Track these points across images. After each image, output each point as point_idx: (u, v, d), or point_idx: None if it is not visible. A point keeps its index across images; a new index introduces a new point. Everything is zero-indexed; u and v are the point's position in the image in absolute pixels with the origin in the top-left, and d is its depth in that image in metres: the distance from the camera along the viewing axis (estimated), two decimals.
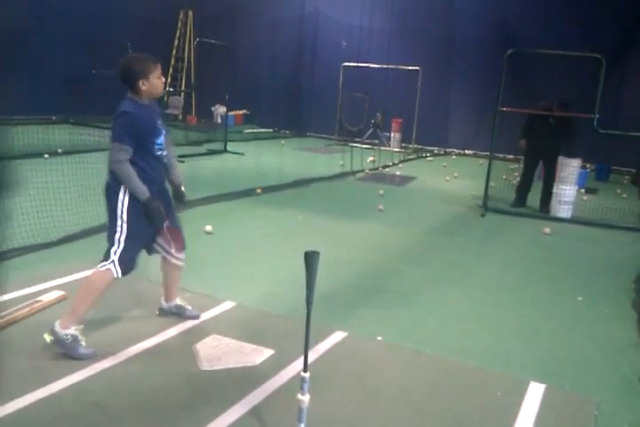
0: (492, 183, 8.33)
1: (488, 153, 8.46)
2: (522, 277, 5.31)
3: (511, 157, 13.65)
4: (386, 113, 15.34)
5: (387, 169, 12.05)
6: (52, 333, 3.20)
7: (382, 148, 14.17)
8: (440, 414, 2.93)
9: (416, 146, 15.60)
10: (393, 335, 3.82)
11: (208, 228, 6.03)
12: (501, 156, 13.40)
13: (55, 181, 5.84)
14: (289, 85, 18.00)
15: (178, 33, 18.72)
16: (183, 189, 3.64)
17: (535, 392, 3.18)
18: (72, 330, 3.20)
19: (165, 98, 16.94)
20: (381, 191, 8.96)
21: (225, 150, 12.61)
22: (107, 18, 14.66)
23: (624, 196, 10.19)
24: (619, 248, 6.68)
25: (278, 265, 5.13)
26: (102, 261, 3.29)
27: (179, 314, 3.83)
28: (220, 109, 17.38)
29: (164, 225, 3.43)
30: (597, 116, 7.57)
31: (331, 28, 17.24)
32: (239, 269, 5.01)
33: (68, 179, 6.12)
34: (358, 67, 15.62)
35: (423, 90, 14.96)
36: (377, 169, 11.81)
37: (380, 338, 3.76)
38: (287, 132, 18.09)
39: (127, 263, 3.32)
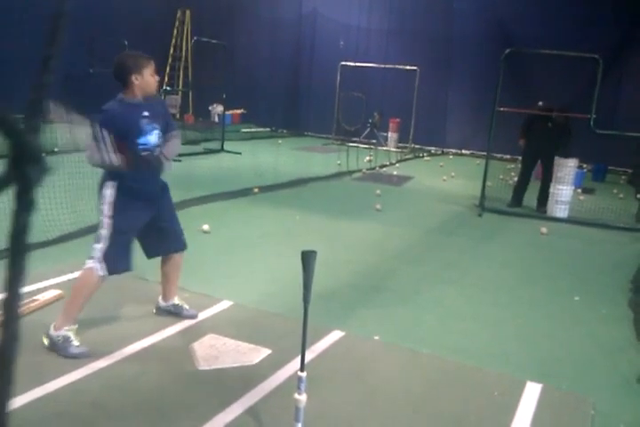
0: (489, 183, 8.33)
1: (485, 153, 8.46)
2: (519, 277, 5.31)
3: (508, 157, 13.67)
4: (383, 113, 15.33)
5: (384, 169, 12.05)
6: (47, 335, 3.25)
7: (380, 147, 14.16)
8: (437, 413, 2.93)
9: (413, 146, 15.61)
10: (391, 335, 3.82)
11: (205, 227, 6.02)
12: (498, 156, 13.41)
13: (52, 180, 5.81)
14: (286, 85, 18.00)
15: (175, 32, 18.69)
16: (161, 158, 3.37)
17: (532, 392, 3.19)
18: (63, 331, 3.22)
19: (163, 97, 16.90)
20: (379, 191, 8.96)
21: (222, 149, 12.59)
22: (105, 17, 14.63)
23: (620, 196, 10.21)
24: (615, 248, 6.69)
25: (275, 264, 5.12)
26: (87, 260, 3.28)
27: (176, 313, 3.82)
28: (218, 108, 17.34)
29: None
30: (594, 116, 7.58)
31: (328, 28, 17.23)
32: (236, 268, 5.01)
33: (64, 178, 6.10)
34: (356, 66, 15.62)
35: (421, 90, 14.96)
36: (374, 169, 11.81)
37: (377, 337, 3.76)
38: (284, 131, 18.09)
39: (114, 261, 3.27)
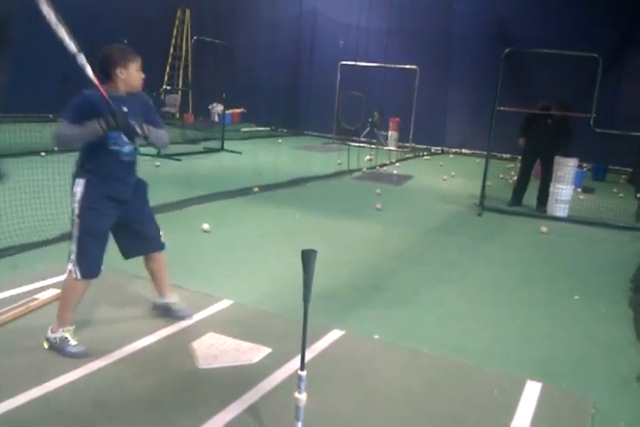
0: (488, 182, 8.33)
1: (485, 152, 8.46)
2: (519, 277, 5.31)
3: (508, 156, 13.68)
4: (383, 112, 15.34)
5: (384, 168, 12.05)
6: (46, 339, 3.26)
7: (380, 147, 14.17)
8: (437, 412, 2.93)
9: (413, 145, 15.61)
10: (391, 334, 3.82)
11: (205, 226, 6.02)
12: (498, 155, 13.42)
13: (52, 179, 5.82)
14: (286, 84, 18.01)
15: (175, 31, 18.70)
16: (139, 130, 3.15)
17: (532, 391, 3.18)
18: (60, 332, 3.23)
19: (162, 96, 16.91)
20: (379, 190, 8.96)
21: (222, 149, 12.59)
22: (104, 16, 14.64)
23: (620, 195, 10.22)
24: (615, 247, 6.69)
25: (275, 264, 5.12)
26: (67, 262, 3.23)
27: (171, 312, 3.76)
28: (218, 108, 17.35)
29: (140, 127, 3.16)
30: (594, 115, 7.58)
31: (328, 27, 17.25)
32: (236, 267, 5.00)
33: (64, 177, 6.08)
34: (356, 66, 15.62)
35: (421, 89, 14.96)
36: (374, 168, 11.81)
37: (377, 337, 3.76)
38: (284, 130, 18.09)
39: (90, 263, 3.20)
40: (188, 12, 18.59)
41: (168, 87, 17.70)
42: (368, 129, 15.46)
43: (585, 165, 12.09)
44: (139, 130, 3.12)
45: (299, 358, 2.58)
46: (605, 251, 6.52)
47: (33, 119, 11.94)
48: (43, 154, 9.33)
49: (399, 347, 3.65)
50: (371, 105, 15.42)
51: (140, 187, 3.46)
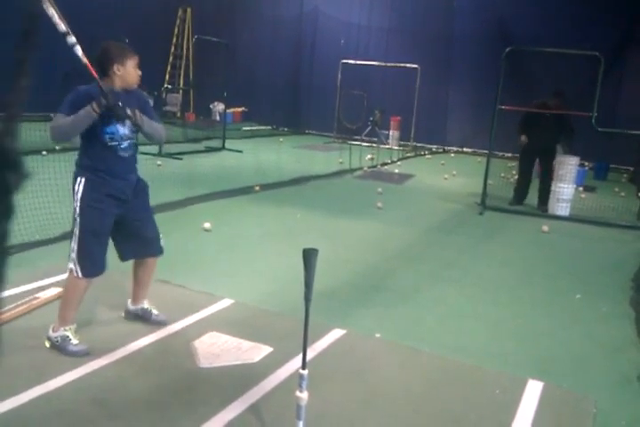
0: (490, 181, 8.33)
1: (486, 151, 8.46)
2: (520, 276, 5.31)
3: (509, 155, 13.66)
4: (384, 111, 15.34)
5: (385, 167, 12.05)
6: (47, 338, 3.27)
7: (381, 145, 14.16)
8: (438, 412, 2.93)
9: (414, 144, 15.60)
10: (391, 333, 3.82)
11: (206, 225, 6.02)
12: (500, 154, 13.41)
13: (53, 178, 5.82)
14: (288, 83, 18.00)
15: (176, 30, 18.68)
16: (130, 113, 3.14)
17: (533, 390, 3.19)
18: (61, 331, 3.23)
19: (164, 95, 16.91)
20: (380, 189, 8.96)
21: (223, 148, 12.59)
22: (105, 15, 14.64)
23: (622, 194, 10.20)
24: (617, 246, 6.69)
25: (277, 263, 5.12)
26: (68, 261, 3.23)
27: (144, 318, 3.67)
28: (219, 107, 17.36)
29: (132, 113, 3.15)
30: (596, 114, 7.58)
31: (330, 26, 17.23)
32: (237, 266, 5.01)
33: (66, 176, 6.09)
34: (357, 64, 15.60)
35: (422, 88, 14.95)
36: (375, 167, 11.80)
37: (378, 335, 3.77)
38: (286, 129, 18.09)
39: (87, 262, 3.19)
40: (189, 10, 18.58)
41: (169, 86, 17.69)
42: (369, 128, 15.46)
43: (586, 163, 12.08)
44: (129, 111, 3.10)
45: (300, 357, 2.58)
46: (607, 250, 6.52)
47: (34, 118, 11.94)
48: (44, 153, 9.33)
49: (400, 346, 3.65)
50: (372, 104, 15.42)
51: (141, 187, 3.44)
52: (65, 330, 3.23)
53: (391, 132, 15.75)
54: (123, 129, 3.21)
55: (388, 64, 15.33)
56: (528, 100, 8.61)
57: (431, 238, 6.56)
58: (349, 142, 14.60)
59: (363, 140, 15.19)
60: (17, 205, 0.73)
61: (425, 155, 14.93)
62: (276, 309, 4.07)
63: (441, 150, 16.10)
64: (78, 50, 3.04)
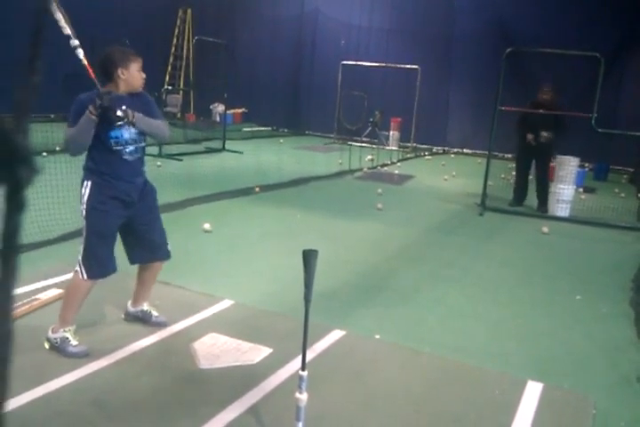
0: (490, 182, 8.33)
1: (487, 152, 8.46)
2: (520, 276, 5.31)
3: (509, 155, 13.64)
4: (384, 112, 15.33)
5: (385, 168, 12.05)
6: (46, 340, 3.27)
7: (381, 146, 14.16)
8: (438, 412, 2.93)
9: (414, 145, 15.60)
10: (391, 334, 3.82)
11: (206, 226, 6.03)
12: (500, 155, 13.40)
13: (54, 179, 5.82)
14: (288, 84, 18.00)
15: (177, 31, 18.69)
16: (121, 112, 3.09)
17: (533, 391, 3.19)
18: (60, 333, 3.24)
19: (164, 96, 16.91)
20: (380, 190, 8.96)
21: (223, 149, 12.59)
22: (106, 16, 14.65)
23: (622, 195, 10.20)
24: (617, 247, 6.69)
25: (277, 264, 5.12)
26: (76, 263, 3.26)
27: (144, 320, 3.69)
28: (219, 108, 17.35)
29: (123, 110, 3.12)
30: (596, 115, 7.58)
31: (330, 27, 17.23)
32: (237, 267, 5.01)
33: (66, 177, 6.10)
34: (357, 65, 15.60)
35: (422, 89, 14.95)
36: (375, 168, 11.80)
37: (377, 337, 3.77)
38: (286, 130, 18.08)
39: (95, 264, 3.22)
40: (189, 11, 18.59)
41: (169, 87, 17.69)
42: (369, 129, 15.45)
43: (586, 164, 12.09)
44: (120, 112, 3.07)
45: (300, 358, 2.58)
46: (606, 251, 6.52)
47: (34, 119, 11.97)
48: (44, 154, 9.34)
49: (400, 347, 3.65)
50: (372, 105, 15.41)
51: (148, 190, 3.46)
52: (64, 331, 3.24)
53: (391, 133, 15.75)
54: (128, 133, 3.23)
55: (389, 65, 15.33)
56: (529, 100, 8.61)
57: (431, 239, 6.56)
58: (349, 143, 14.60)
59: (363, 141, 15.20)
60: (28, 202, 0.75)
61: (425, 156, 14.93)
62: (275, 309, 4.07)
63: (441, 151, 16.10)
64: (80, 53, 3.07)
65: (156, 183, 3.61)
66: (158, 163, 9.73)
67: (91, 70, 3.10)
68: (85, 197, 3.20)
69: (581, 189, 10.14)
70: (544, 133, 8.09)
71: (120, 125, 3.14)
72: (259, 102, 17.84)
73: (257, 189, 8.33)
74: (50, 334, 3.26)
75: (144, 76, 3.32)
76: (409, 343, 3.70)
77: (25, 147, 0.71)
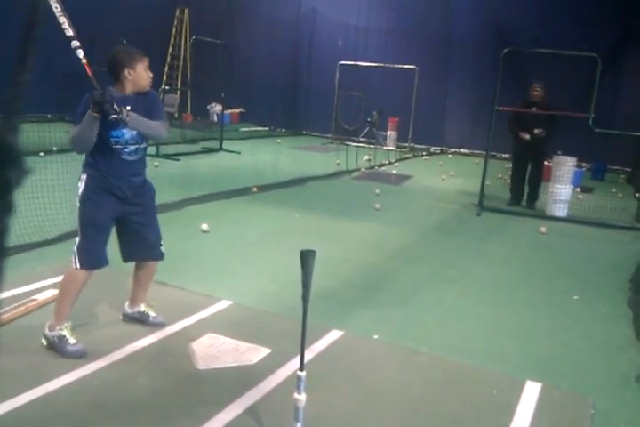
0: (487, 182, 8.33)
1: (484, 152, 8.46)
2: (518, 277, 5.31)
3: (507, 156, 13.64)
4: (382, 112, 15.32)
5: (383, 168, 12.05)
6: (44, 336, 3.27)
7: (378, 146, 14.16)
8: (436, 412, 2.93)
9: (412, 145, 15.60)
10: (390, 334, 3.82)
11: (204, 226, 6.01)
12: (497, 155, 13.40)
13: (50, 180, 5.81)
14: (285, 84, 17.98)
15: (174, 31, 18.66)
16: (117, 111, 3.04)
17: (532, 391, 3.18)
18: (57, 330, 3.23)
19: (161, 96, 16.89)
20: (378, 190, 8.95)
21: (221, 149, 12.58)
22: (103, 15, 14.62)
23: (620, 195, 10.21)
24: (615, 247, 6.69)
25: (274, 264, 5.12)
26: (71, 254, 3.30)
27: (142, 321, 3.68)
28: (216, 108, 17.32)
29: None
30: (593, 115, 7.58)
31: (327, 27, 17.23)
32: (235, 267, 5.00)
33: (63, 177, 6.08)
34: (355, 65, 15.60)
35: (420, 89, 14.94)
36: (373, 168, 11.80)
37: (376, 337, 3.76)
38: (283, 130, 18.07)
39: (87, 254, 3.25)
40: (186, 11, 18.56)
41: (167, 87, 17.67)
42: (367, 129, 15.43)
43: (584, 164, 12.09)
44: (112, 112, 3.02)
45: (298, 358, 2.57)
46: (604, 251, 6.52)
47: (31, 119, 11.93)
48: (41, 154, 9.32)
49: (398, 347, 3.64)
50: (370, 105, 15.39)
51: (146, 190, 3.48)
52: (61, 329, 3.23)
53: (389, 133, 15.74)
54: (129, 133, 3.24)
55: (386, 65, 15.32)
56: (521, 100, 8.62)
57: (429, 239, 6.55)
58: (347, 143, 14.59)
59: (360, 142, 15.19)
60: (17, 202, 0.73)
61: (423, 156, 14.93)
62: (274, 310, 4.07)
63: (439, 151, 16.10)
64: (80, 53, 3.08)
65: (154, 183, 3.60)
66: (155, 163, 9.70)
67: (89, 69, 3.10)
68: (81, 190, 3.26)
69: (579, 189, 10.15)
70: (536, 131, 8.15)
71: (114, 120, 3.08)
72: (256, 102, 17.82)
73: (254, 190, 8.32)
74: (47, 331, 3.25)
75: (151, 75, 3.34)
76: (407, 343, 3.69)
77: (14, 147, 0.70)
